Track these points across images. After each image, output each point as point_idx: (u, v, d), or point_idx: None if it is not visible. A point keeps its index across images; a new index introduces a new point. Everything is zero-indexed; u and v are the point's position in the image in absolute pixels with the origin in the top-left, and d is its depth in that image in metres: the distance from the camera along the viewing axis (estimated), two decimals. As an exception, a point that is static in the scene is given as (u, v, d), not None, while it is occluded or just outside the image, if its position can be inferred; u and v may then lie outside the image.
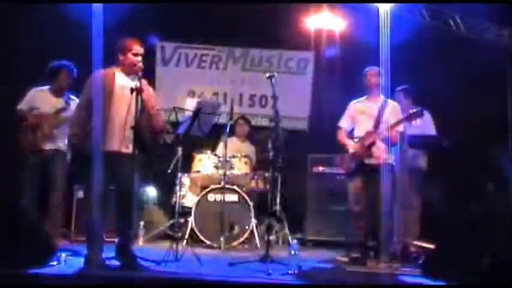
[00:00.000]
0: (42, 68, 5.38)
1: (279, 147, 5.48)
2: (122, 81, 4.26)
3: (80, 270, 4.01)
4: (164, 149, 4.73)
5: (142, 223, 5.75)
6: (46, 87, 5.33)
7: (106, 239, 4.35)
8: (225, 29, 6.95)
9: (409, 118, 4.83)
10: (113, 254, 4.28)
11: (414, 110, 4.86)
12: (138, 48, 4.32)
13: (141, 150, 4.17)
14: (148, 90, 4.37)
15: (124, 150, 4.17)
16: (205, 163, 5.98)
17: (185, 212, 5.85)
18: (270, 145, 5.77)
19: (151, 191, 6.55)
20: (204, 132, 4.85)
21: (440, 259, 4.18)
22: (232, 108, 5.94)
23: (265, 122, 7.08)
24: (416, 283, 4.14)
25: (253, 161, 6.35)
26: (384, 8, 5.99)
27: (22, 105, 5.27)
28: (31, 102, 5.27)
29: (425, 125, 5.38)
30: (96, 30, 5.03)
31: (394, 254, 4.94)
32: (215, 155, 6.05)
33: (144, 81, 4.26)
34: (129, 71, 4.29)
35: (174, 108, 5.06)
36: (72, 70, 5.31)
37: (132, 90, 4.08)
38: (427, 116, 5.51)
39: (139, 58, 4.31)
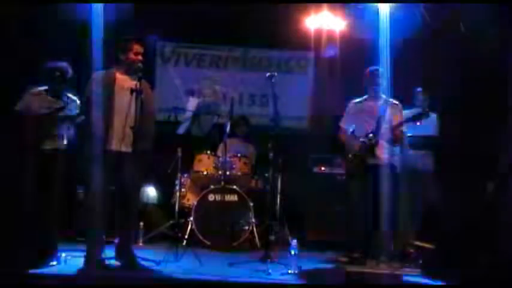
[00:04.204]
0: (42, 68, 5.38)
1: (279, 148, 5.49)
2: (123, 82, 4.27)
3: (80, 270, 4.01)
4: (164, 149, 4.73)
5: (142, 223, 5.74)
6: (43, 88, 5.33)
7: (106, 239, 4.35)
8: (225, 29, 6.95)
9: (414, 119, 4.82)
10: (113, 254, 4.29)
11: (420, 111, 4.86)
12: (138, 48, 4.33)
13: (142, 151, 4.18)
14: (149, 92, 4.39)
15: (124, 150, 4.18)
16: (205, 163, 5.98)
17: (185, 212, 5.85)
18: (270, 145, 5.78)
19: (151, 191, 6.55)
20: (204, 132, 4.86)
21: (440, 259, 4.18)
22: (232, 108, 5.94)
23: (265, 122, 7.08)
24: (417, 283, 4.14)
25: (253, 161, 6.35)
26: (384, 8, 5.99)
27: (19, 107, 5.27)
28: (28, 103, 5.26)
29: (429, 126, 5.40)
30: (96, 30, 5.03)
31: (394, 254, 4.94)
32: (215, 155, 6.05)
33: (145, 83, 4.27)
34: (130, 70, 4.30)
35: (174, 108, 5.07)
36: (67, 71, 5.30)
37: (132, 90, 4.09)
38: (432, 117, 5.52)
39: (140, 57, 4.32)
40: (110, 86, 4.24)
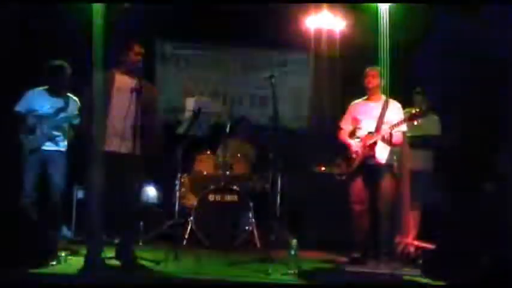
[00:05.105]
0: (42, 68, 5.38)
1: (279, 148, 5.49)
2: (122, 82, 4.27)
3: (80, 270, 4.01)
4: (164, 149, 4.73)
5: (142, 223, 5.74)
6: (43, 88, 5.33)
7: (106, 239, 4.35)
8: (225, 29, 6.95)
9: (411, 118, 4.82)
10: (113, 254, 4.29)
11: (417, 111, 4.86)
12: (138, 48, 4.33)
13: (142, 151, 4.18)
14: (151, 91, 4.39)
15: (124, 150, 4.18)
16: (205, 163, 5.99)
17: (185, 212, 5.85)
18: (270, 145, 5.78)
19: (151, 191, 6.55)
20: (204, 132, 4.86)
21: (440, 259, 4.18)
22: (232, 109, 5.95)
23: (265, 122, 7.07)
24: (417, 283, 4.14)
25: (253, 161, 6.35)
26: (384, 8, 5.99)
27: (20, 107, 5.27)
28: (29, 103, 5.26)
29: (431, 126, 5.39)
30: (96, 30, 5.03)
31: (394, 254, 4.94)
32: (215, 155, 6.05)
33: (147, 83, 4.27)
34: (130, 70, 4.29)
35: (173, 108, 5.08)
36: (68, 70, 5.30)
37: (132, 90, 4.09)
38: (434, 117, 5.52)
39: (140, 57, 4.32)
40: (109, 87, 4.24)
